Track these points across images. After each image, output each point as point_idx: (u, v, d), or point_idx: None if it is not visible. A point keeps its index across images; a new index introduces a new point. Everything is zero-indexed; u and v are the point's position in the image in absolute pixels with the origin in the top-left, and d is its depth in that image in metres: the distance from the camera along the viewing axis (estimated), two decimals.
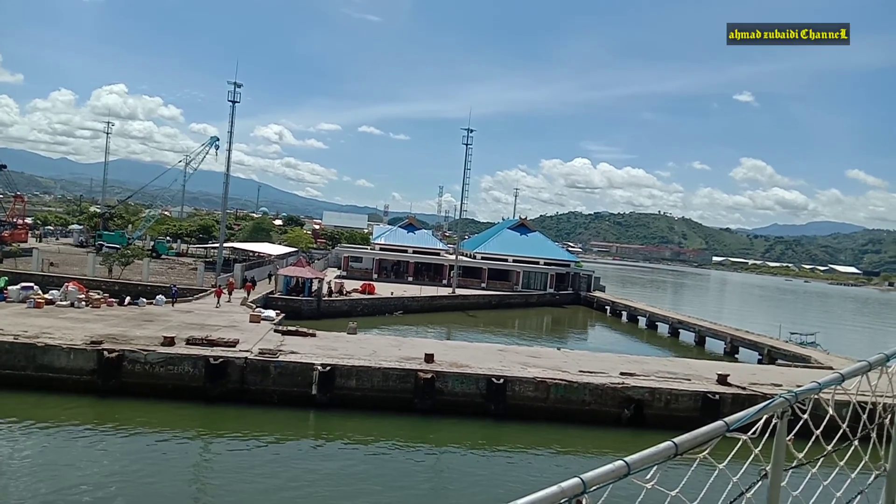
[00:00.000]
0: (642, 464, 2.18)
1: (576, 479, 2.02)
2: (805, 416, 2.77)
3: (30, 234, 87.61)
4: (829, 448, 3.07)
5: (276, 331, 34.64)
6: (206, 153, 76.57)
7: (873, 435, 3.28)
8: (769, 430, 2.69)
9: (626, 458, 2.16)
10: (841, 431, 3.12)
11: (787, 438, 2.79)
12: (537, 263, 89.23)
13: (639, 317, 71.33)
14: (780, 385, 30.64)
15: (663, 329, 65.15)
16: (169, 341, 28.21)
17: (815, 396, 2.82)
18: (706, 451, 2.42)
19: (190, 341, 28.91)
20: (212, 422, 25.37)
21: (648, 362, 36.16)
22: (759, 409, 2.58)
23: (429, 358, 29.47)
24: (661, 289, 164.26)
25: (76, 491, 18.42)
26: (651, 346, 56.83)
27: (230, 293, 45.45)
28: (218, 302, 44.40)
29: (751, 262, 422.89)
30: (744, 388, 29.98)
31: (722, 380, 30.61)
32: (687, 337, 60.43)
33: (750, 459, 2.72)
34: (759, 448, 2.69)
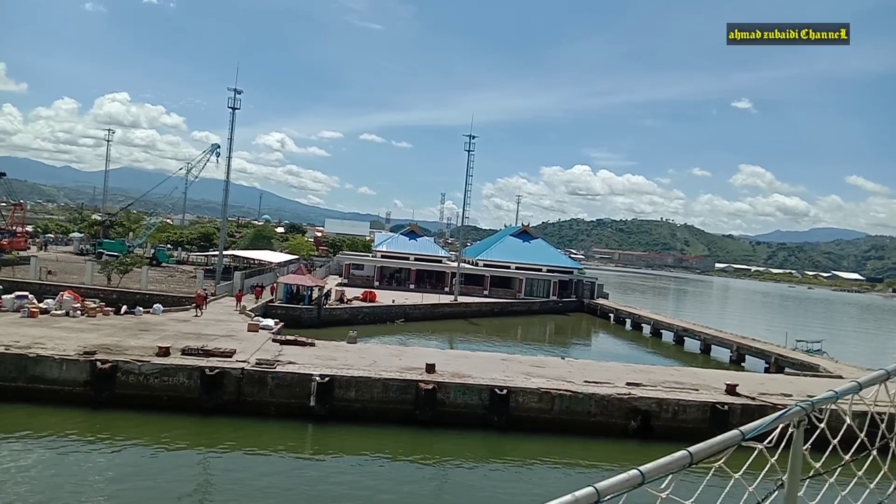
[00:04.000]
0: (657, 473, 2.17)
1: (589, 489, 2.01)
2: (822, 425, 2.77)
3: (31, 243, 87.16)
4: (847, 458, 3.04)
5: (274, 340, 34.08)
6: (207, 160, 76.03)
7: (892, 445, 3.25)
8: (785, 440, 2.67)
9: (641, 468, 2.14)
10: (859, 441, 3.09)
11: (804, 448, 2.77)
12: (540, 270, 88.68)
13: (643, 324, 70.76)
14: (790, 395, 30.00)
15: (668, 337, 64.53)
16: (164, 352, 27.66)
17: (833, 406, 2.78)
18: (721, 461, 2.42)
19: (186, 351, 28.35)
20: (207, 434, 24.84)
21: (655, 372, 35.53)
22: (774, 417, 2.57)
23: (430, 368, 28.89)
24: (664, 296, 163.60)
25: None
26: (656, 355, 56.12)
27: (239, 301, 46.18)
28: (198, 312, 41.63)
29: (753, 268, 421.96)
30: (753, 399, 29.34)
31: (731, 390, 29.97)
32: (692, 345, 59.83)
33: (766, 469, 2.72)
34: (775, 458, 2.66)
